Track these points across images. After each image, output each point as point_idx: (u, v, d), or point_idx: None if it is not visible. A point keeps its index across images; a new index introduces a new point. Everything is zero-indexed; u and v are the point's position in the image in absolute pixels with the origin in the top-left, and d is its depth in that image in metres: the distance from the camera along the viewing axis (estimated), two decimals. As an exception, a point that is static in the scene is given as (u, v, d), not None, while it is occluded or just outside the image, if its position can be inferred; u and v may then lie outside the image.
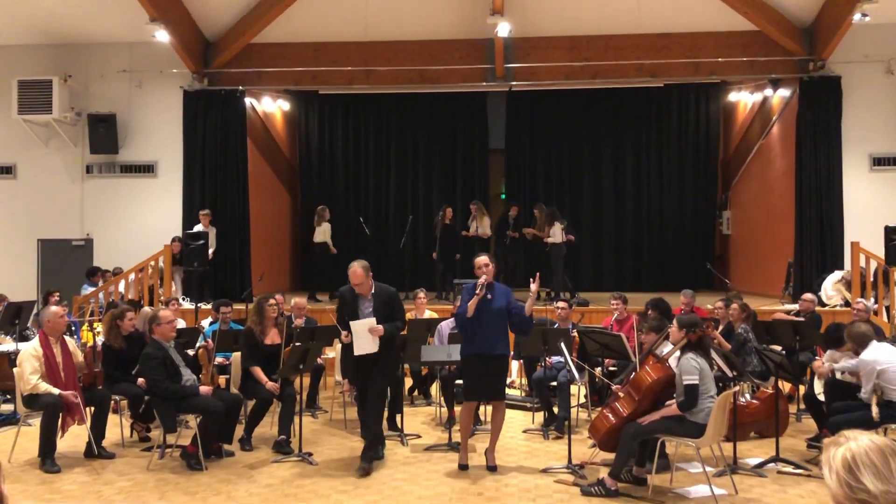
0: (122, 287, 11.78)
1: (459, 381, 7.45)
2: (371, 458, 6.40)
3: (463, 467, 6.34)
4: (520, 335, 6.98)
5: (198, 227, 12.08)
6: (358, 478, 6.14)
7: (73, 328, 9.39)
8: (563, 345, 6.68)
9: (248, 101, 13.77)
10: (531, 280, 6.65)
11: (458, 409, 7.12)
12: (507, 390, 9.22)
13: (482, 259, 6.45)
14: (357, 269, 6.46)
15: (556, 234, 12.45)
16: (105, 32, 13.19)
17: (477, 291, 6.24)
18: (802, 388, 7.80)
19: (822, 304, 11.00)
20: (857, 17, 10.94)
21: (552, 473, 6.25)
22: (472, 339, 6.32)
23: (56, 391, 6.43)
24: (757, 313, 8.44)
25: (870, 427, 5.51)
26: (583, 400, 8.48)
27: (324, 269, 13.12)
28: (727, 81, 14.68)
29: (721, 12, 12.12)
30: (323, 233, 13.03)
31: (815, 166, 12.32)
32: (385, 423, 7.84)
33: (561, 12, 12.50)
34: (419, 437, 7.51)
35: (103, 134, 13.30)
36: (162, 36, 11.89)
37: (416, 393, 9.29)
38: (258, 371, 7.13)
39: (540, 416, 8.07)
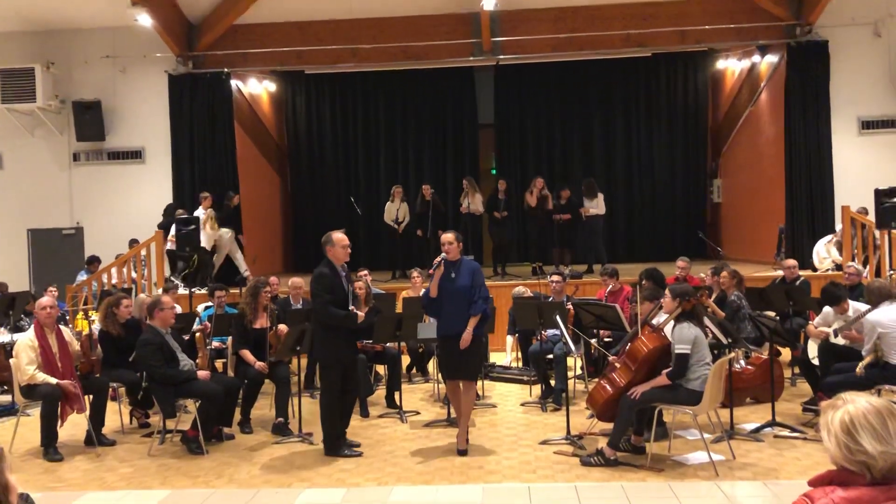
0: (114, 274, 11.73)
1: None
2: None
3: (462, 452, 6.19)
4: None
5: (199, 212, 12.09)
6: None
7: (67, 317, 9.37)
8: (558, 318, 6.71)
9: (234, 83, 13.66)
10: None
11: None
12: (504, 364, 9.36)
13: (447, 236, 6.26)
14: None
15: (600, 205, 12.50)
16: (86, 18, 13.03)
17: (430, 272, 6.15)
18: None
19: (814, 269, 11.06)
20: (843, -21, 10.90)
21: (551, 445, 6.31)
22: (439, 320, 6.26)
23: (53, 381, 6.43)
24: (744, 279, 8.47)
25: (863, 388, 5.56)
26: (579, 372, 8.53)
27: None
28: (714, 49, 14.61)
29: (707, -21, 12.07)
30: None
31: (805, 131, 12.33)
32: (383, 400, 7.93)
33: (546, -17, 12.42)
34: (418, 413, 7.55)
35: (89, 121, 13.19)
36: (144, 20, 11.76)
37: (413, 370, 9.33)
38: (246, 353, 7.20)
39: (537, 389, 8.13)
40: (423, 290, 6.49)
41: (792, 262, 9.43)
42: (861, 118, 12.55)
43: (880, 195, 10.38)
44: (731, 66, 15.15)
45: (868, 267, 10.77)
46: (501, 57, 13.35)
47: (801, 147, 12.32)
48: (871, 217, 10.59)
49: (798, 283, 8.93)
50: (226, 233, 12.62)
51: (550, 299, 8.45)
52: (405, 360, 8.91)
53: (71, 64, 13.40)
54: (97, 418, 6.79)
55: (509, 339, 9.45)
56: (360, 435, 6.64)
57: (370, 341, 7.57)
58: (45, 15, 12.92)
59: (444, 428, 6.88)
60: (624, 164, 16.37)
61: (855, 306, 6.72)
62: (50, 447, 6.43)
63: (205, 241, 11.99)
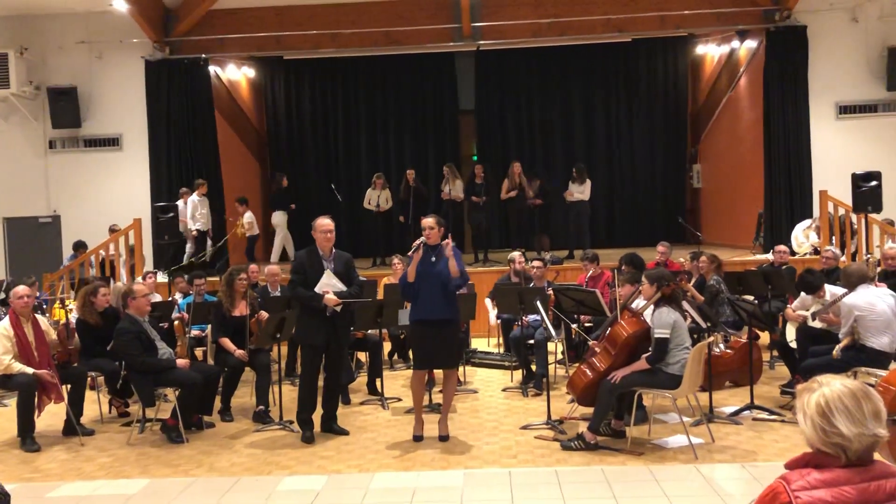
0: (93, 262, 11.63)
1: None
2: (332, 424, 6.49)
3: (417, 438, 6.18)
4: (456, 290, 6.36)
5: (193, 197, 12.17)
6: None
7: (44, 306, 9.27)
8: (538, 303, 6.72)
9: (212, 69, 13.52)
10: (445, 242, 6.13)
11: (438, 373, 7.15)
12: (486, 348, 9.37)
13: (427, 221, 6.18)
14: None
15: (585, 191, 12.55)
16: (61, 2, 12.79)
17: (409, 254, 6.09)
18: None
19: (793, 253, 11.15)
20: (821, -36, 10.94)
21: (532, 430, 6.33)
22: (415, 305, 6.16)
23: (30, 370, 6.36)
24: (723, 264, 8.53)
25: (840, 370, 5.61)
26: (560, 357, 8.56)
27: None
28: (694, 34, 14.65)
29: (687, -36, 12.06)
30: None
31: (783, 117, 12.39)
32: (365, 387, 7.92)
33: (526, -32, 12.37)
34: (400, 400, 7.55)
35: (65, 107, 13.00)
36: (119, 4, 11.59)
37: (395, 357, 9.32)
38: (226, 341, 7.16)
39: (518, 375, 8.14)
40: (402, 274, 6.45)
41: (782, 247, 9.52)
42: (839, 103, 12.63)
43: (857, 179, 10.49)
44: (710, 52, 15.19)
45: (846, 251, 10.89)
46: (482, 42, 13.30)
47: (780, 132, 12.39)
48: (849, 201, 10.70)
49: (784, 268, 9.01)
50: (279, 216, 12.73)
51: (532, 284, 8.47)
52: (386, 346, 8.90)
53: (45, 49, 13.20)
54: (76, 408, 6.74)
55: (488, 301, 9.27)
56: (342, 422, 6.63)
57: (351, 328, 7.55)
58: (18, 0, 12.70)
59: (426, 414, 6.88)
60: (604, 150, 16.39)
61: (832, 290, 6.78)
62: (27, 437, 6.36)
63: (201, 225, 12.18)
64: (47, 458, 6.14)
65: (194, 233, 12.27)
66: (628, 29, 12.95)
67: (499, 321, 8.96)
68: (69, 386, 6.73)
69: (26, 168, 13.38)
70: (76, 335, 7.07)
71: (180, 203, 12.23)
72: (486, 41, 13.21)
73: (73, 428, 6.64)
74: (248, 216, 13.09)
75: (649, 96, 16.41)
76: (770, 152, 12.46)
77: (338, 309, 6.28)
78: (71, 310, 7.82)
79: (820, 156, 12.43)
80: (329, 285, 6.24)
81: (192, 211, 12.22)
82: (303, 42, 13.07)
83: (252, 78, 15.94)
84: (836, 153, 12.41)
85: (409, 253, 6.15)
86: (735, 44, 13.84)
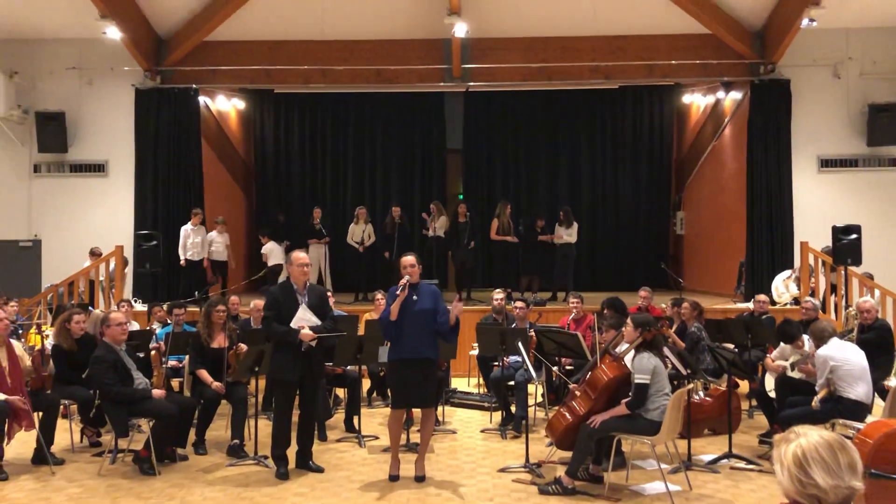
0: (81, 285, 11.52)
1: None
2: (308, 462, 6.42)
3: (393, 478, 6.10)
4: (445, 342, 6.37)
5: (187, 227, 12.18)
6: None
7: (20, 331, 9.14)
8: (520, 344, 6.71)
9: (202, 99, 13.57)
10: (456, 299, 6.16)
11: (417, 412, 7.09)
12: (466, 389, 9.32)
13: (408, 259, 6.14)
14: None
15: (573, 233, 12.79)
16: (53, 28, 12.87)
17: (397, 292, 6.04)
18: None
19: (773, 303, 11.23)
20: (805, 21, 11.19)
21: (510, 472, 6.27)
22: (396, 343, 6.10)
23: (2, 396, 6.24)
24: (705, 311, 8.58)
25: (818, 421, 5.62)
26: (540, 399, 8.52)
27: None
28: (680, 84, 14.90)
29: (674, 15, 12.29)
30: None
31: (766, 168, 12.56)
32: (342, 424, 7.84)
33: (517, 13, 12.55)
34: (377, 438, 7.47)
35: (52, 132, 12.97)
36: (113, 33, 11.65)
37: (374, 394, 9.24)
38: (203, 373, 7.10)
39: (497, 416, 8.09)
40: (382, 311, 6.41)
41: (763, 297, 9.59)
42: (820, 156, 12.83)
43: (837, 232, 10.62)
44: (696, 101, 15.45)
45: (826, 304, 10.98)
46: (471, 84, 13.46)
47: (762, 182, 12.55)
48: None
49: (764, 318, 9.06)
50: (317, 248, 12.70)
51: (514, 325, 8.46)
52: (365, 383, 8.83)
53: (35, 74, 13.21)
54: (47, 436, 6.61)
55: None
56: (318, 458, 6.54)
57: (330, 364, 7.49)
58: (10, 23, 12.73)
59: (403, 453, 6.81)
60: (589, 194, 16.54)
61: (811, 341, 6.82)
62: (-6, 465, 6.24)
63: (193, 255, 12.24)
64: (14, 487, 6.01)
65: (182, 262, 12.20)
66: (616, 76, 13.15)
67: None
68: (41, 413, 6.61)
69: (9, 191, 13.29)
70: (51, 361, 6.97)
71: (188, 227, 12.32)
72: (476, 83, 13.37)
73: (42, 456, 6.51)
74: (267, 247, 13.05)
75: (635, 142, 16.62)
76: (752, 202, 12.61)
77: (313, 343, 6.24)
78: (47, 336, 7.71)
79: (801, 207, 12.59)
80: (304, 319, 6.21)
81: (184, 240, 12.19)
82: (294, 76, 13.16)
83: (241, 109, 16.01)
84: (817, 205, 12.57)
85: (398, 291, 6.07)
86: (720, 94, 14.09)
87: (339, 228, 14.79)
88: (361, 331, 8.80)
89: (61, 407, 7.08)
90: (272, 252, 13.07)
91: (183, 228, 12.26)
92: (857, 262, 10.59)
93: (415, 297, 6.06)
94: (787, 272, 11.81)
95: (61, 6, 12.19)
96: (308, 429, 6.50)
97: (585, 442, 5.68)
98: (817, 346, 6.32)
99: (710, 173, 15.13)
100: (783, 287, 11.62)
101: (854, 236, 10.55)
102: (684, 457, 6.39)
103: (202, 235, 12.42)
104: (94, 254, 11.94)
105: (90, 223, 13.03)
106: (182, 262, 12.19)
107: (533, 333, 7.88)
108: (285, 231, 13.76)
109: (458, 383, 9.80)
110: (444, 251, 13.36)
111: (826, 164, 12.84)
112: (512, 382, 7.80)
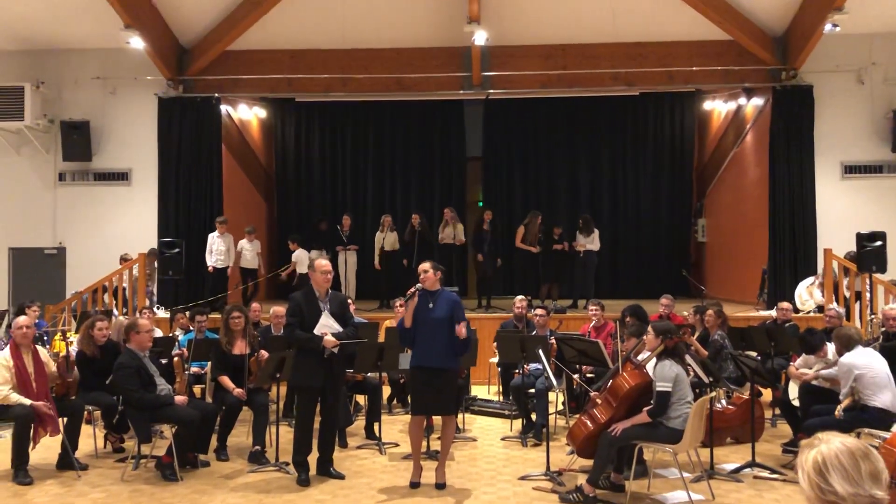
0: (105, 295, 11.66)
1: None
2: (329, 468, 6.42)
3: (414, 485, 6.11)
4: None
5: (213, 235, 12.31)
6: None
7: (45, 338, 9.25)
8: (540, 352, 6.69)
9: (223, 108, 13.69)
10: (461, 324, 5.99)
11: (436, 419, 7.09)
12: (486, 396, 9.30)
13: (421, 266, 6.21)
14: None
15: (595, 241, 12.74)
16: (78, 39, 13.05)
17: (404, 300, 6.08)
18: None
19: (797, 311, 11.12)
20: (827, 27, 11.09)
21: (530, 480, 6.25)
22: (414, 350, 6.14)
23: (27, 402, 6.32)
24: (728, 318, 8.52)
25: (843, 431, 5.55)
26: (560, 407, 8.49)
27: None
28: (701, 90, 14.82)
29: (695, 22, 12.24)
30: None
31: (788, 174, 12.45)
32: (362, 431, 7.85)
33: (537, 21, 12.55)
34: (397, 445, 7.48)
35: (76, 141, 13.15)
36: (136, 43, 11.79)
37: (394, 402, 9.26)
38: (225, 380, 7.14)
39: (518, 424, 8.07)
40: (399, 319, 6.42)
41: (786, 304, 9.50)
42: (844, 163, 12.70)
43: (862, 239, 10.50)
44: (717, 108, 15.35)
45: (850, 310, 10.85)
46: (491, 91, 13.46)
47: (785, 190, 12.44)
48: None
49: (787, 325, 8.97)
50: (350, 256, 13.05)
51: (534, 332, 8.44)
52: (386, 390, 8.85)
53: (61, 84, 13.39)
54: (72, 442, 6.69)
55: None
56: (339, 465, 6.57)
57: (351, 370, 7.52)
58: (37, 35, 12.93)
59: (423, 461, 6.81)
60: (610, 201, 16.47)
61: (834, 349, 6.75)
62: (20, 470, 6.31)
63: (217, 262, 12.33)
64: (39, 492, 6.08)
65: (210, 269, 12.31)
66: (636, 83, 13.10)
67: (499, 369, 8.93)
68: (66, 419, 6.69)
69: (35, 199, 13.47)
70: (76, 367, 7.06)
71: (214, 235, 12.44)
72: (496, 90, 13.37)
73: (67, 462, 6.58)
74: (296, 254, 13.03)
75: (656, 149, 16.53)
76: (775, 209, 12.49)
77: (335, 350, 6.27)
78: (72, 342, 7.80)
79: (824, 214, 12.46)
80: (327, 326, 6.24)
81: (210, 247, 12.32)
82: (315, 85, 13.24)
83: (263, 118, 16.13)
84: (840, 212, 12.44)
85: (405, 301, 6.11)
86: (742, 101, 13.99)
87: (358, 236, 14.82)
88: (381, 338, 8.83)
89: (86, 413, 7.16)
90: (301, 260, 13.07)
91: (210, 236, 12.39)
92: (882, 269, 10.45)
93: (430, 305, 6.08)
94: (811, 279, 11.70)
95: (86, 17, 12.36)
96: (329, 435, 6.53)
97: (607, 450, 5.65)
98: (841, 353, 6.25)
99: (731, 180, 15.02)
100: (807, 294, 11.50)
101: (879, 243, 10.42)
102: (707, 465, 6.34)
103: (229, 244, 12.51)
104: (125, 260, 12.09)
105: (114, 231, 13.18)
106: (210, 268, 12.30)
107: (553, 341, 7.85)
108: (323, 238, 13.67)
109: (479, 391, 9.79)
110: (462, 257, 13.34)
111: (850, 170, 12.71)
112: (532, 390, 7.78)
